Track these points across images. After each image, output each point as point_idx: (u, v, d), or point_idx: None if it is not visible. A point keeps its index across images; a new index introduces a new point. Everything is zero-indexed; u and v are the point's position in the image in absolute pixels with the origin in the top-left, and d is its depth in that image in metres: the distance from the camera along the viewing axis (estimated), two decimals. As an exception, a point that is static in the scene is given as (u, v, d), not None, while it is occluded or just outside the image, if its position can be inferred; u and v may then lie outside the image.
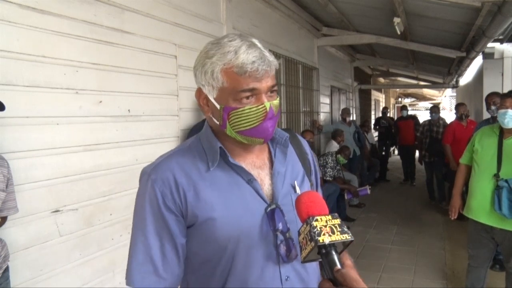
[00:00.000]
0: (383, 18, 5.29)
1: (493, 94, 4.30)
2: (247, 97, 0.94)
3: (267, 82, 0.94)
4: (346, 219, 5.69)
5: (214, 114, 0.99)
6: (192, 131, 3.17)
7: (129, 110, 2.65)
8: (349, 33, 6.58)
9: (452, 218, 3.19)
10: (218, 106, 0.96)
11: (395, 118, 11.43)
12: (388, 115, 10.71)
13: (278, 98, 0.99)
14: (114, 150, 2.54)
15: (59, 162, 2.19)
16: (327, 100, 7.84)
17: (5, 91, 1.88)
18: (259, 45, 0.95)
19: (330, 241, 0.79)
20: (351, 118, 7.83)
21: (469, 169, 3.09)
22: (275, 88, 0.98)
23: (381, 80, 14.50)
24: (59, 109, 2.17)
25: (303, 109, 6.22)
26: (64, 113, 2.20)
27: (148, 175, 1.00)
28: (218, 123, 0.99)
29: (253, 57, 0.91)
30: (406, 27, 5.33)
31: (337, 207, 5.66)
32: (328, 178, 5.67)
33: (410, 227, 5.67)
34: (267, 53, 0.94)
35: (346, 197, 6.04)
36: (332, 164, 5.79)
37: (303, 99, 6.19)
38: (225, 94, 0.94)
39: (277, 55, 5.08)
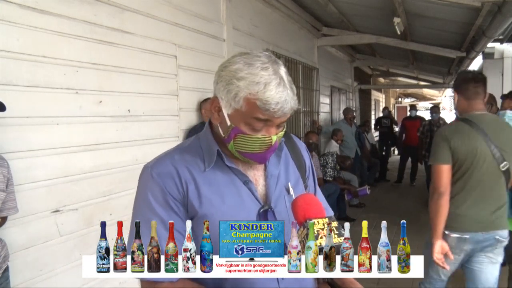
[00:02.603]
0: (383, 18, 5.28)
1: None
2: (258, 125, 0.96)
3: (281, 119, 0.97)
4: (346, 219, 5.68)
5: (222, 126, 1.01)
6: (191, 131, 3.17)
7: (129, 110, 2.64)
8: (349, 33, 6.58)
9: None
10: (228, 123, 0.98)
11: (395, 119, 11.42)
12: (388, 115, 10.67)
13: (284, 129, 1.02)
14: (114, 150, 2.54)
15: (59, 162, 2.19)
16: (327, 100, 7.83)
17: (5, 91, 1.88)
18: (286, 81, 0.95)
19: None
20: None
21: None
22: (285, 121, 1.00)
23: (381, 80, 14.50)
24: (59, 109, 2.17)
25: (303, 109, 6.22)
26: (64, 113, 2.20)
27: (151, 168, 1.02)
28: (223, 135, 1.01)
29: (279, 97, 0.92)
30: (406, 27, 5.33)
31: (337, 207, 5.66)
32: (328, 178, 5.67)
33: (410, 227, 5.58)
34: (291, 93, 0.95)
35: (346, 198, 6.04)
36: (332, 164, 5.79)
37: (303, 99, 6.18)
38: (239, 115, 0.96)
39: (277, 55, 5.08)
